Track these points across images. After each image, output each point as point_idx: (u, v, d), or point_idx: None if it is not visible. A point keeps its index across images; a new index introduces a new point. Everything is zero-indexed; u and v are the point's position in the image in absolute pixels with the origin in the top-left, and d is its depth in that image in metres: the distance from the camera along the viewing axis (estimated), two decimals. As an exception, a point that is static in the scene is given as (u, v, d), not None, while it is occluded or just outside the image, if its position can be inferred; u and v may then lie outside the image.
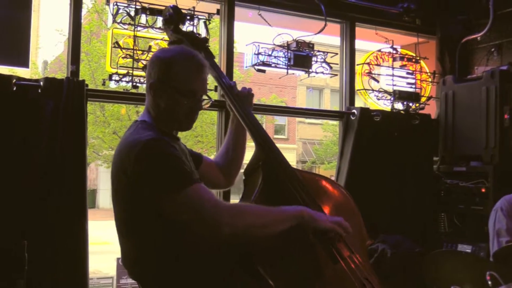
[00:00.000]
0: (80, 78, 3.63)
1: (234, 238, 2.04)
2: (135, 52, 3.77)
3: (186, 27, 3.77)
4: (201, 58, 2.24)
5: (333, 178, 4.76)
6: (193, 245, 2.07)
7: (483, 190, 4.55)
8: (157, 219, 2.03)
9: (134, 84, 3.76)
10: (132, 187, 2.03)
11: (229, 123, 2.67)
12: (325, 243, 2.22)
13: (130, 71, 3.75)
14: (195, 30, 3.87)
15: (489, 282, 1.43)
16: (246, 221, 2.05)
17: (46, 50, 42.89)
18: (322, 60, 4.50)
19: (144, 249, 2.11)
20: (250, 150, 2.51)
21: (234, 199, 2.81)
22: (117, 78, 3.77)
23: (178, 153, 2.07)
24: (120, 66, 3.80)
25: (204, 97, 2.25)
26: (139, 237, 2.11)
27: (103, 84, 4.09)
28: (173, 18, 2.71)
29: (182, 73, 2.16)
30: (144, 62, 3.75)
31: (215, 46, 4.51)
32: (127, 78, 3.76)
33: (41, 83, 3.50)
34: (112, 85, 3.93)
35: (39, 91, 3.49)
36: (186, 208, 1.98)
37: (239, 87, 2.62)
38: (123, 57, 3.79)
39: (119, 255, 4.48)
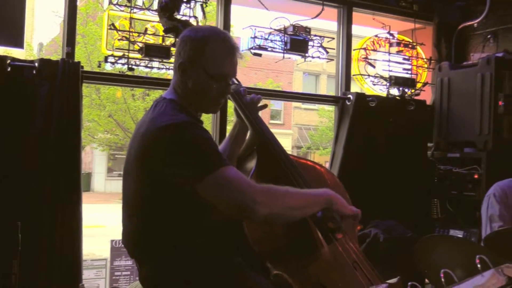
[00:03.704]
0: (76, 60, 3.62)
1: (270, 219, 2.03)
2: (131, 34, 3.75)
3: (183, 9, 3.75)
4: (233, 40, 2.17)
5: (327, 164, 4.79)
6: (208, 229, 2.06)
7: (476, 177, 4.58)
8: (182, 200, 2.00)
9: (130, 66, 3.75)
10: (163, 167, 1.97)
11: (232, 128, 2.52)
12: (323, 226, 2.24)
13: (126, 53, 3.74)
14: (191, 13, 3.85)
15: (479, 266, 1.45)
16: (284, 202, 2.03)
17: (42, 32, 42.66)
18: (318, 44, 4.48)
19: (159, 229, 2.06)
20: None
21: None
22: (113, 60, 3.75)
23: (211, 136, 2.05)
24: (116, 48, 3.78)
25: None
26: (159, 216, 2.05)
27: (99, 66, 4.08)
28: (169, 6, 2.69)
29: (213, 55, 2.08)
30: (140, 45, 3.74)
31: (212, 29, 4.48)
32: (123, 61, 3.75)
33: (36, 64, 3.49)
34: (108, 67, 3.92)
35: (34, 72, 3.47)
36: (222, 189, 1.94)
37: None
38: (119, 39, 3.77)
39: (112, 237, 4.56)
